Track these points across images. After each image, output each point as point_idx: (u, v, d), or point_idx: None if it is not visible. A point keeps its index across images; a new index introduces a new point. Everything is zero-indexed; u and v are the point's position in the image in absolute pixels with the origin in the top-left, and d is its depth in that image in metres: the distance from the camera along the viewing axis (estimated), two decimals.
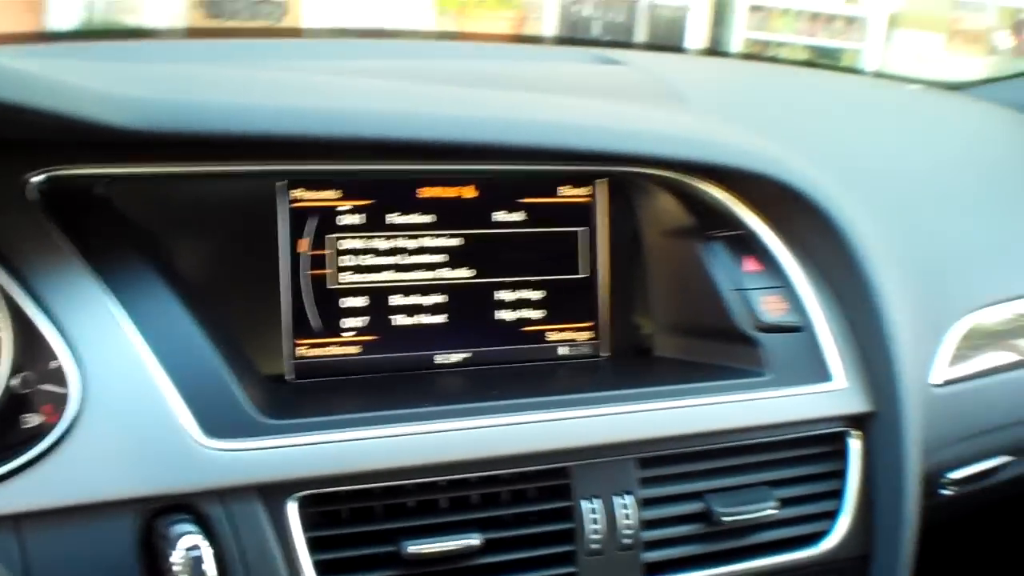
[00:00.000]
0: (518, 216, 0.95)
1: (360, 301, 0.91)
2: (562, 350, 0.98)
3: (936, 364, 1.06)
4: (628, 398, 0.86)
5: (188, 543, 0.71)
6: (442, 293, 0.93)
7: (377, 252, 0.91)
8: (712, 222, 0.97)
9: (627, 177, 0.97)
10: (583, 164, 0.93)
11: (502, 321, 0.95)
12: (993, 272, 1.17)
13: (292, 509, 0.76)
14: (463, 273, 0.94)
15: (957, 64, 8.78)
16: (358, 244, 0.91)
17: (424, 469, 0.80)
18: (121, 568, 0.72)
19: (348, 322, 0.91)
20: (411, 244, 0.92)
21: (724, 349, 0.96)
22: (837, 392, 0.95)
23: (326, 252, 0.90)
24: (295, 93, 0.83)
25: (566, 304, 0.98)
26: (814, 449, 0.95)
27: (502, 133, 0.84)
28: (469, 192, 0.93)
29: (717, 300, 0.95)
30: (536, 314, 0.96)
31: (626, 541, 0.85)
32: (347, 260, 0.90)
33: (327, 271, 0.90)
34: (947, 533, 1.96)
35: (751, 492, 0.91)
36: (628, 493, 0.86)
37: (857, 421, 0.96)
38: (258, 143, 0.79)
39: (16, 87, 0.61)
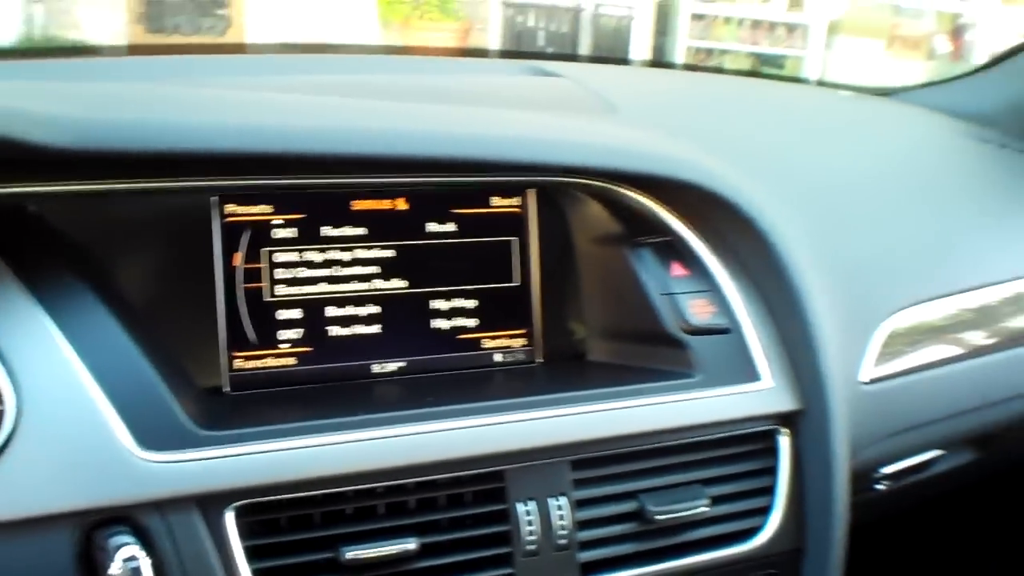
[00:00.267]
0: (450, 227, 0.97)
1: (295, 313, 0.92)
2: (497, 357, 1.00)
3: (865, 362, 1.09)
4: (560, 402, 0.88)
5: (126, 554, 0.72)
6: (377, 304, 0.95)
7: (311, 264, 0.93)
8: (640, 229, 1.00)
9: (557, 187, 0.99)
10: (513, 175, 0.95)
11: (437, 330, 0.97)
12: (920, 271, 1.20)
13: (230, 519, 0.77)
14: (397, 283, 0.95)
15: (897, 69, 8.94)
16: (292, 257, 0.92)
17: (361, 476, 0.81)
18: None
19: (284, 334, 0.92)
20: (345, 256, 0.94)
21: (654, 352, 0.98)
22: (765, 391, 0.97)
23: (261, 265, 0.91)
24: (225, 110, 0.84)
25: (500, 312, 0.99)
26: (744, 447, 0.98)
27: (431, 146, 0.86)
28: (401, 204, 0.95)
29: (646, 304, 0.97)
30: (471, 322, 0.98)
31: (561, 542, 0.87)
32: (282, 273, 0.92)
33: (262, 284, 0.91)
34: (892, 527, 2.01)
35: (684, 491, 0.94)
36: (562, 495, 0.88)
37: (785, 419, 0.99)
38: (190, 160, 0.81)
39: None
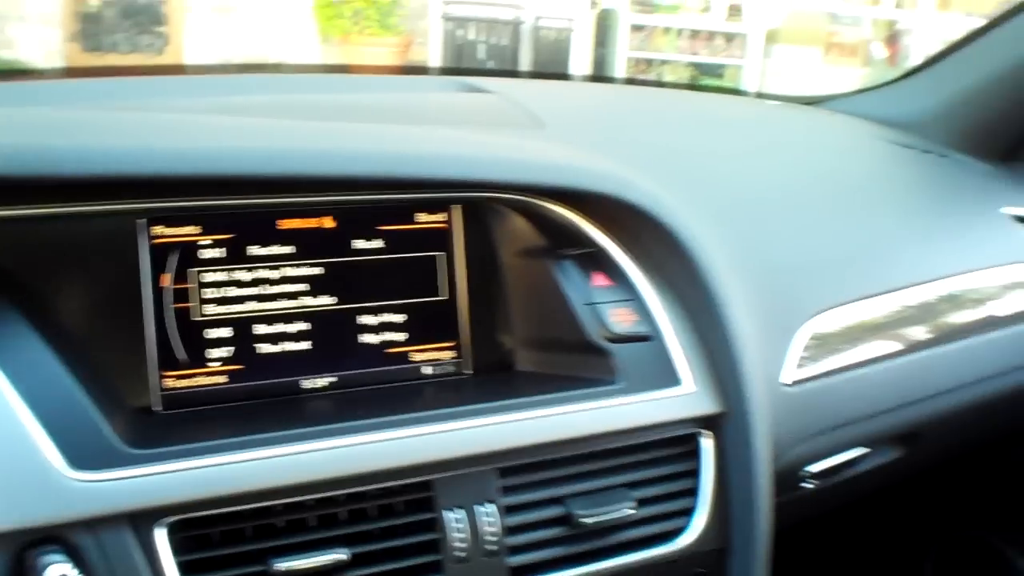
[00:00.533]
0: (377, 243, 0.99)
1: (225, 332, 0.94)
2: (426, 370, 1.02)
3: (787, 364, 1.12)
4: (486, 411, 0.91)
5: (57, 573, 0.73)
6: (306, 320, 0.96)
7: (240, 283, 0.94)
8: (563, 241, 1.02)
9: (481, 202, 1.02)
10: (436, 192, 0.97)
11: (366, 345, 0.99)
12: (841, 275, 1.24)
13: (161, 535, 0.78)
14: (326, 300, 0.97)
15: (835, 76, 9.08)
16: (220, 276, 0.93)
17: (291, 489, 0.82)
18: None
19: (213, 352, 0.93)
20: (273, 274, 0.95)
21: (579, 360, 1.00)
22: (686, 396, 1.00)
23: (189, 285, 0.92)
24: (149, 134, 0.86)
25: (428, 325, 1.01)
26: (668, 450, 1.00)
27: (353, 165, 0.88)
28: (328, 222, 0.97)
29: (570, 315, 1.00)
30: (399, 336, 1.00)
31: (491, 547, 0.89)
32: (210, 292, 0.93)
33: (190, 304, 0.92)
34: (824, 526, 2.05)
35: (610, 494, 0.96)
36: (490, 502, 0.90)
37: (708, 422, 1.02)
38: (116, 184, 0.82)
39: None
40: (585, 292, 1.01)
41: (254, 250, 0.95)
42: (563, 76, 6.65)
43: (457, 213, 1.02)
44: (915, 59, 8.70)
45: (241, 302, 0.94)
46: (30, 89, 1.25)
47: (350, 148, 0.89)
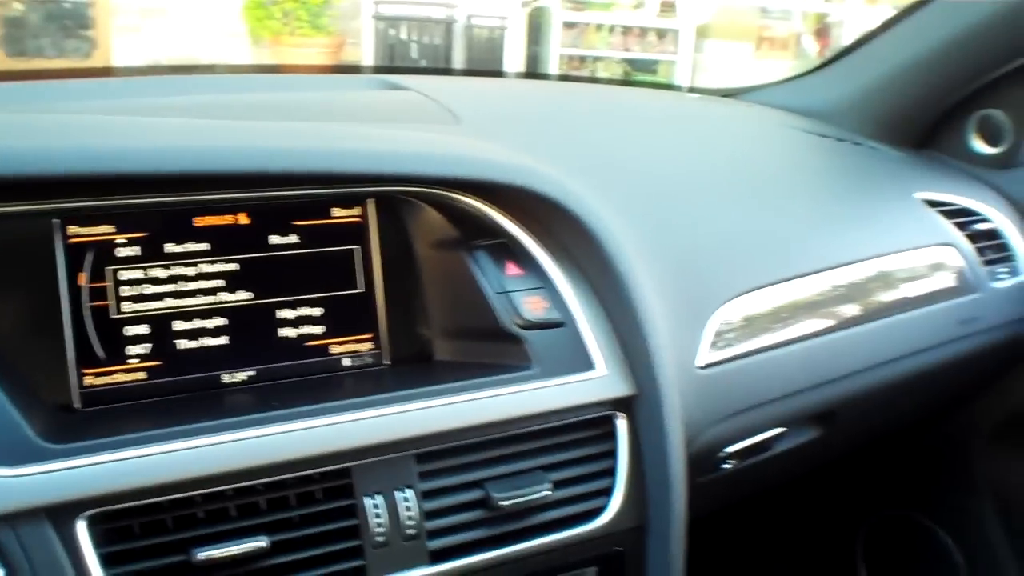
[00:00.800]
0: (293, 238, 1.00)
1: (143, 329, 0.95)
2: (345, 361, 1.04)
3: (701, 348, 1.15)
4: (402, 399, 0.93)
5: None
6: (224, 316, 0.98)
7: (157, 281, 0.95)
8: (476, 232, 1.05)
9: (395, 195, 1.04)
10: (350, 186, 0.99)
11: (285, 338, 1.01)
12: (752, 261, 1.28)
13: (82, 528, 0.79)
14: (243, 295, 0.99)
15: (766, 69, 9.20)
16: (137, 274, 0.94)
17: (210, 479, 0.84)
18: None
19: (132, 349, 0.94)
20: (190, 271, 0.96)
21: (494, 348, 1.03)
22: (599, 379, 1.03)
23: (106, 284, 0.93)
24: (61, 134, 0.87)
25: (346, 318, 1.03)
26: (584, 433, 1.04)
27: (266, 161, 0.90)
28: (243, 218, 0.98)
29: (484, 303, 1.03)
30: (318, 329, 1.02)
31: (410, 532, 0.91)
32: (127, 290, 0.94)
33: (108, 302, 0.93)
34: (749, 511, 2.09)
35: (527, 477, 0.99)
36: (408, 487, 0.92)
37: (621, 404, 1.05)
38: (29, 184, 0.83)
39: None
40: (498, 281, 1.03)
41: (170, 247, 0.96)
42: (497, 74, 6.68)
43: (372, 207, 1.04)
44: None
45: (159, 299, 0.95)
46: None
47: (261, 145, 0.91)
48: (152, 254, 0.95)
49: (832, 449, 1.68)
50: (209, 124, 0.97)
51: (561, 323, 1.04)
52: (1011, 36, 1.59)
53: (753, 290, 1.23)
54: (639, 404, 1.05)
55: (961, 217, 1.59)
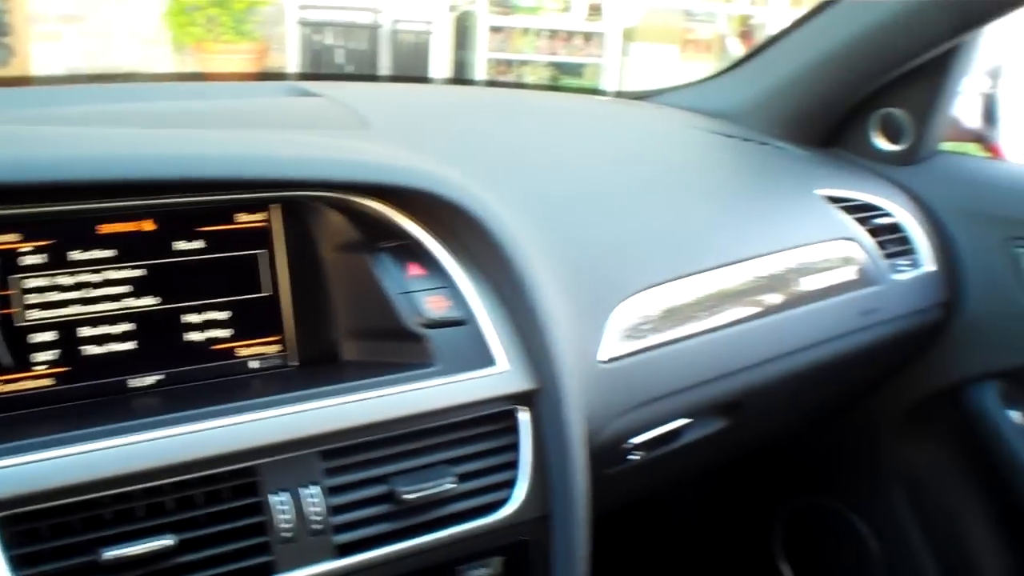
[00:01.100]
0: (198, 244, 1.02)
1: (49, 335, 0.96)
2: (252, 364, 1.06)
3: (604, 342, 1.19)
4: (306, 398, 0.95)
5: None
6: (131, 321, 0.99)
7: (62, 288, 0.96)
8: (379, 235, 1.08)
9: (299, 200, 1.06)
10: (253, 192, 1.02)
11: (192, 342, 1.03)
12: (655, 257, 1.32)
13: None
14: (150, 301, 1.00)
15: (691, 71, 9.32)
16: (43, 282, 0.96)
17: (117, 480, 0.86)
18: None
19: (39, 356, 0.96)
20: (96, 278, 0.98)
21: (399, 347, 1.06)
22: (501, 375, 1.07)
23: (11, 292, 0.94)
24: None
25: (252, 321, 1.06)
26: (487, 427, 1.07)
27: (167, 169, 0.92)
28: (148, 225, 1.00)
29: (386, 304, 1.06)
30: (224, 333, 1.04)
31: (316, 527, 0.94)
32: (33, 298, 0.95)
33: (14, 310, 0.95)
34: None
35: (432, 471, 1.01)
36: (314, 484, 0.94)
37: (523, 398, 1.08)
38: None
39: None
40: (400, 282, 1.06)
41: (76, 255, 0.97)
42: (421, 80, 6.69)
43: (276, 212, 1.06)
44: None
45: (65, 306, 0.97)
46: None
47: (162, 153, 0.93)
48: (58, 262, 0.96)
49: (742, 440, 1.72)
50: (111, 133, 0.99)
51: (463, 321, 1.07)
52: (909, 37, 1.65)
53: (654, 286, 1.27)
54: (541, 398, 1.08)
55: (863, 212, 1.65)
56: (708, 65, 9.56)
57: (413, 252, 1.08)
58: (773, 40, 1.91)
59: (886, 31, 1.66)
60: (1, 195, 0.90)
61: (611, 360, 1.20)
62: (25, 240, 0.95)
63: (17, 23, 7.30)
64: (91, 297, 0.98)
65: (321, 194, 1.04)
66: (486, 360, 1.07)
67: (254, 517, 0.92)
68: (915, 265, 1.69)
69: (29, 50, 7.05)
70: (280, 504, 0.92)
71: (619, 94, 2.36)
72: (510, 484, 1.07)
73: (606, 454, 1.23)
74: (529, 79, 9.49)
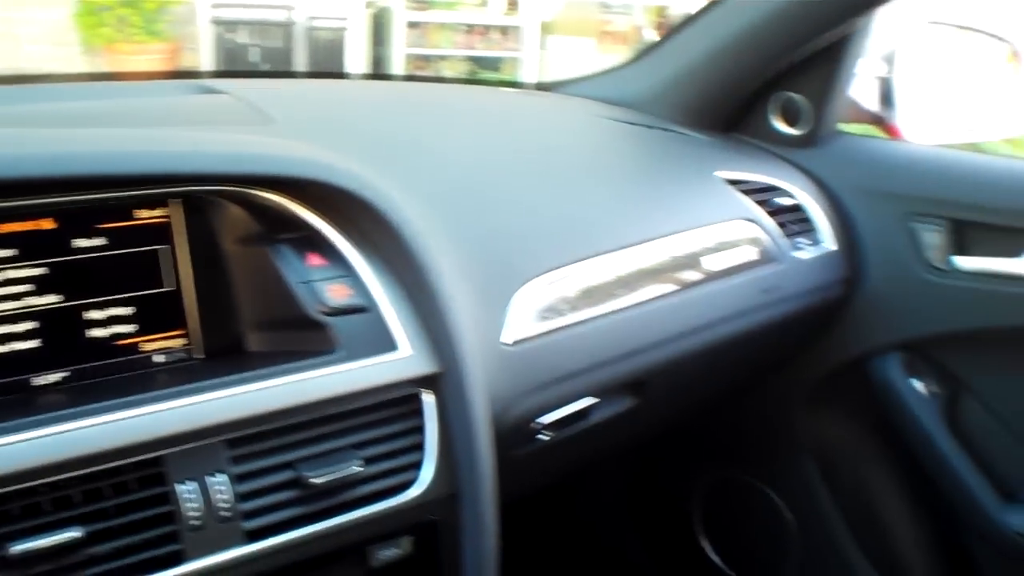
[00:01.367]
0: (99, 241, 1.03)
1: None
2: (157, 358, 1.07)
3: (507, 325, 1.23)
4: (210, 387, 0.97)
5: None
6: (33, 320, 1.00)
7: None
8: (279, 227, 1.10)
9: (199, 195, 1.08)
10: (150, 188, 1.03)
11: (96, 339, 1.03)
12: (555, 242, 1.36)
13: None
14: (51, 299, 1.01)
15: (608, 63, 9.39)
16: None
17: (22, 475, 0.86)
18: None
19: None
20: None
21: (302, 336, 1.08)
22: (403, 359, 1.09)
23: None
24: None
25: (156, 316, 1.07)
26: (392, 410, 1.09)
27: (60, 166, 0.93)
28: (47, 224, 1.00)
29: (288, 294, 1.08)
30: (128, 328, 1.05)
31: (225, 514, 0.96)
32: None
33: None
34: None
35: (338, 455, 1.04)
36: (221, 472, 0.96)
37: (427, 381, 1.11)
38: None
39: None
40: (301, 272, 1.08)
41: None
42: (338, 76, 6.66)
43: (176, 207, 1.07)
44: None
45: None
46: None
47: (56, 151, 0.94)
48: None
49: (652, 418, 1.77)
50: (2, 132, 0.99)
51: (365, 308, 1.10)
52: (803, 22, 1.71)
53: (556, 269, 1.31)
54: (444, 381, 1.11)
55: (763, 194, 1.71)
56: (625, 56, 9.65)
57: (314, 242, 1.10)
58: (675, 30, 1.97)
59: (781, 17, 1.72)
60: None
61: (516, 342, 1.23)
62: None
63: None
64: None
65: (220, 188, 1.05)
66: (388, 345, 1.09)
67: (162, 507, 0.93)
68: (816, 244, 1.75)
69: None
70: (187, 493, 0.94)
71: (538, 86, 2.40)
72: (417, 466, 1.10)
73: (514, 434, 1.27)
74: (447, 74, 9.50)
